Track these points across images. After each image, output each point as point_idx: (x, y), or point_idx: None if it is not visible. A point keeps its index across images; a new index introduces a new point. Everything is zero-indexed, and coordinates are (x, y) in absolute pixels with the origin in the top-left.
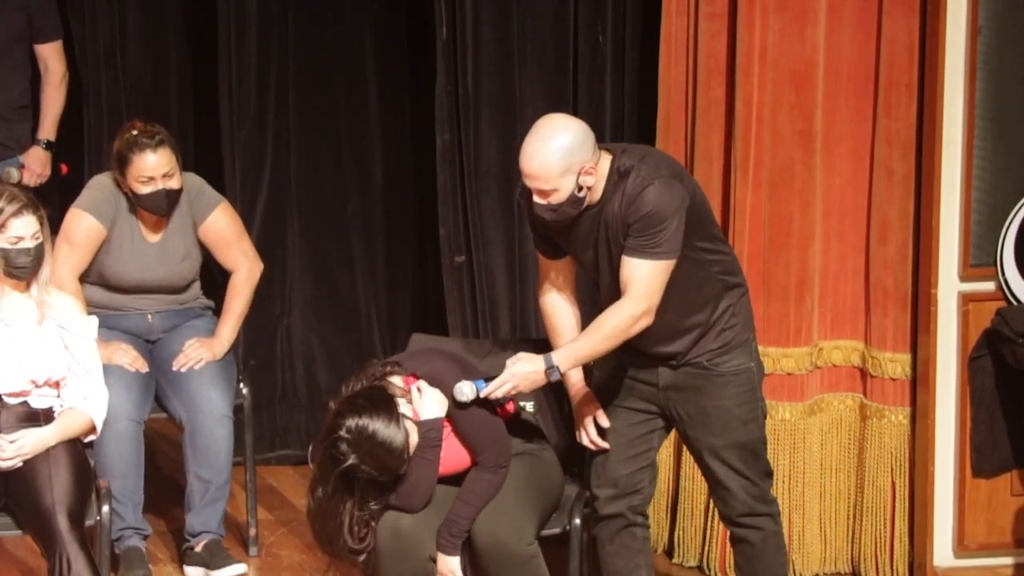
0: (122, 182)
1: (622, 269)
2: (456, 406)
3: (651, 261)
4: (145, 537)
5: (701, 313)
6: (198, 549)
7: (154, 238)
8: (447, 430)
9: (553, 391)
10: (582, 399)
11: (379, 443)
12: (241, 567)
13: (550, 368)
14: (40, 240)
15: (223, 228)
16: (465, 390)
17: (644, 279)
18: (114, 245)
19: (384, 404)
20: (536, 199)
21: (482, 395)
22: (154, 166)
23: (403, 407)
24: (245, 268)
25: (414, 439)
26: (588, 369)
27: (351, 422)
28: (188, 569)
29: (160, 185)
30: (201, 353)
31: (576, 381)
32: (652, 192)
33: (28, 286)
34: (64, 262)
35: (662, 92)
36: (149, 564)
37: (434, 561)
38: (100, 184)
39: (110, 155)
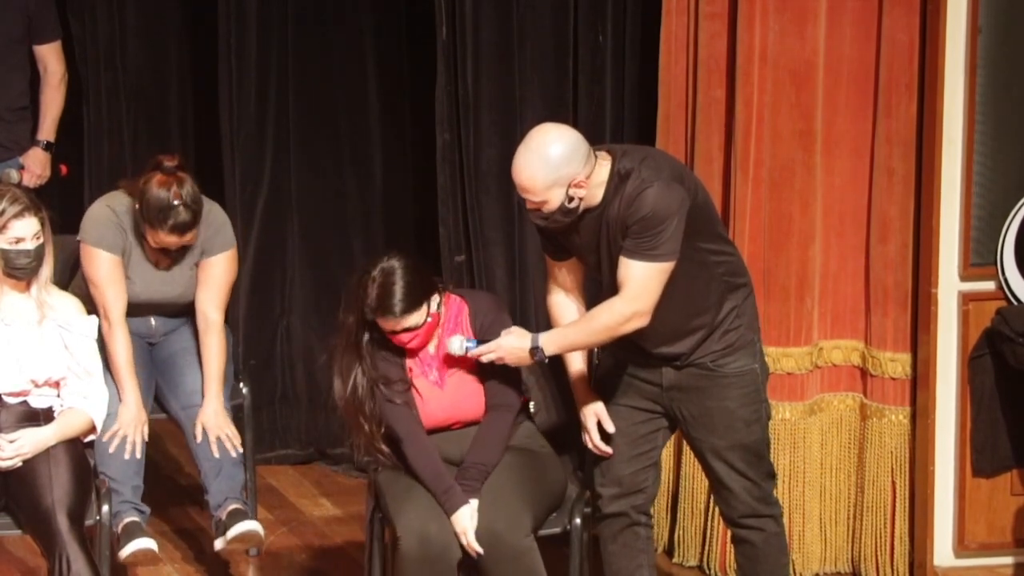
0: (140, 221)
1: (619, 269)
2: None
3: (648, 263)
4: (144, 516)
5: (706, 314)
6: (223, 518)
7: (162, 265)
8: (460, 371)
9: (554, 391)
10: (586, 403)
11: (391, 284)
12: (252, 524)
13: (535, 348)
14: (41, 241)
15: (221, 272)
16: (455, 344)
17: (639, 280)
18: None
19: (426, 279)
20: (528, 207)
21: (469, 355)
22: (176, 242)
23: (435, 302)
24: (216, 323)
25: (416, 321)
26: (592, 371)
27: (396, 261)
28: (216, 541)
29: (173, 250)
30: (220, 432)
31: (580, 384)
32: (651, 194)
33: (28, 286)
34: (106, 304)
35: (662, 92)
36: (149, 532)
37: (458, 568)
38: (103, 217)
39: (136, 187)
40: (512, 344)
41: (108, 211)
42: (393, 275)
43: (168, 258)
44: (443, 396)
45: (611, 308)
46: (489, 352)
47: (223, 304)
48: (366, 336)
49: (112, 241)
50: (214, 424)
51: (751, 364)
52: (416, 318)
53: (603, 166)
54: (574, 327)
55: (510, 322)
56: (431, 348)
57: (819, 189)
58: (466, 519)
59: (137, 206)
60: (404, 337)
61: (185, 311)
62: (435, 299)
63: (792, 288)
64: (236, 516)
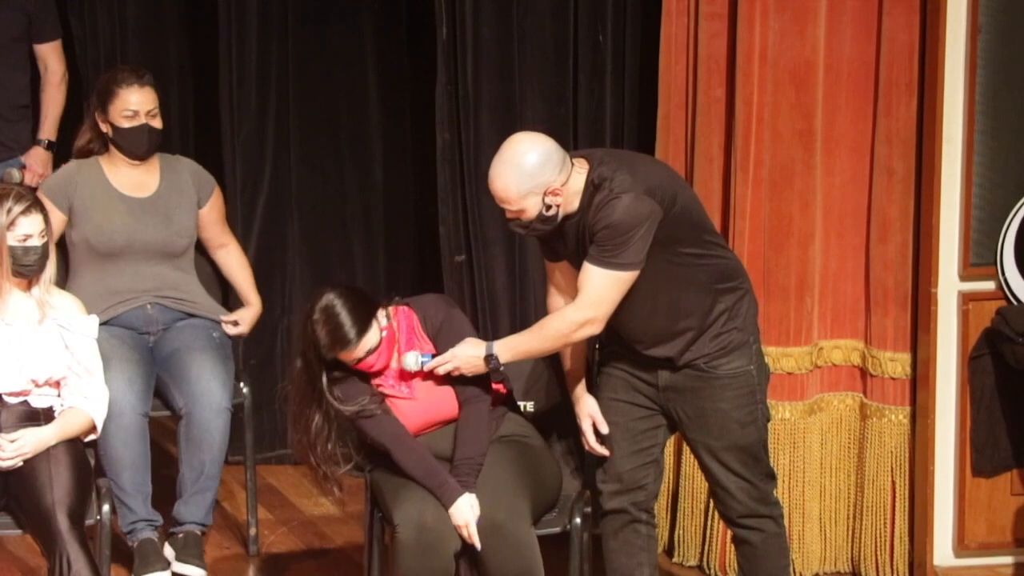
0: (103, 119)
1: (580, 275)
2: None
3: (606, 271)
4: (156, 527)
5: (691, 317)
6: (180, 536)
7: (142, 193)
8: (426, 381)
9: (554, 392)
10: (580, 403)
11: (335, 316)
12: (199, 572)
13: (489, 356)
14: (46, 239)
15: (219, 207)
16: (410, 361)
17: (596, 287)
18: (89, 210)
19: (365, 298)
20: (508, 217)
21: (425, 369)
22: (139, 101)
23: (383, 317)
24: (235, 248)
25: (373, 341)
26: (591, 372)
27: (331, 295)
28: (167, 550)
29: (143, 121)
30: (242, 329)
31: (574, 383)
32: (618, 205)
33: (30, 286)
34: None
35: (662, 92)
36: (164, 555)
37: (457, 559)
38: (62, 169)
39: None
40: (467, 353)
41: (72, 163)
42: (334, 308)
43: (152, 181)
44: (417, 405)
45: (563, 315)
46: (445, 364)
47: (229, 230)
48: (324, 379)
49: (56, 194)
50: (247, 326)
51: (746, 366)
52: (372, 338)
53: (580, 174)
54: (527, 334)
55: (461, 316)
56: (393, 363)
57: (819, 189)
58: (466, 511)
59: (96, 100)
60: (368, 361)
61: (180, 267)
62: (382, 315)
63: (792, 288)
64: (188, 545)
